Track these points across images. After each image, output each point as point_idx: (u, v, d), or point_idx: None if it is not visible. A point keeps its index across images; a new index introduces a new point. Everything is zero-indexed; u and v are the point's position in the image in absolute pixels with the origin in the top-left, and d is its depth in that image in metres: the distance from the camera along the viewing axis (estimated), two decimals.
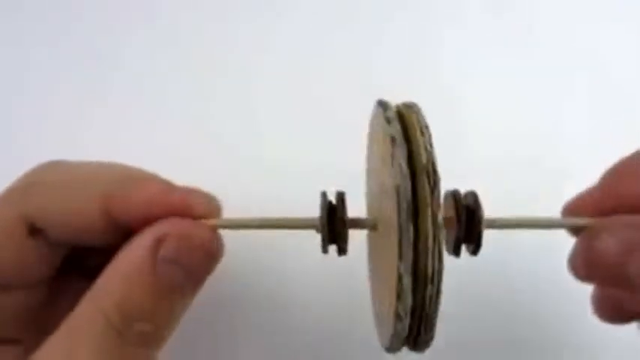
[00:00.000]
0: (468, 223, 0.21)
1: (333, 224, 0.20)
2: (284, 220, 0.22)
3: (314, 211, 0.21)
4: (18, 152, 0.31)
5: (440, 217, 0.18)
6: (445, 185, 0.20)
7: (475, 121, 0.35)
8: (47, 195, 0.21)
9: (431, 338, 0.19)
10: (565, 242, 0.22)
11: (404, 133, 0.19)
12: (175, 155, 0.33)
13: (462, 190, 0.22)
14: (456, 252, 0.21)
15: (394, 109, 0.20)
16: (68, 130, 0.35)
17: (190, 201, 0.22)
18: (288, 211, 0.22)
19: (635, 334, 0.24)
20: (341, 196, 0.21)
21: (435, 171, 0.18)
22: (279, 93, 0.36)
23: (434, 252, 0.17)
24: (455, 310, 0.30)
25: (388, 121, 0.19)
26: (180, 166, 0.24)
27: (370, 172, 0.25)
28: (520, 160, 0.34)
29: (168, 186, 0.22)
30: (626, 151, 0.23)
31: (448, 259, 0.22)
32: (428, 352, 0.21)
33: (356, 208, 0.23)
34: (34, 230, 0.21)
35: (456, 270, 0.30)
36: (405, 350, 0.21)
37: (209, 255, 0.21)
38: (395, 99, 0.21)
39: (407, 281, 0.17)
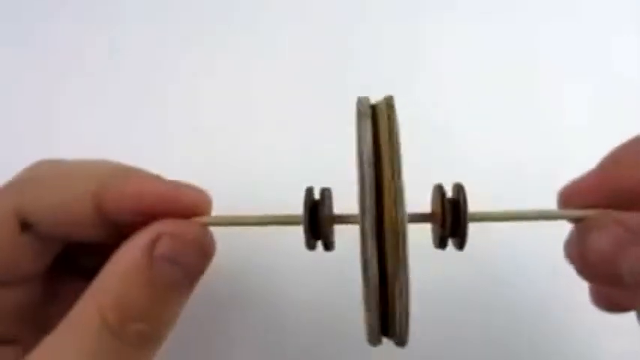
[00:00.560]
0: (453, 215, 0.20)
1: (316, 220, 0.20)
2: (272, 217, 0.22)
3: None
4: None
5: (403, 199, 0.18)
6: None
7: (468, 123, 0.35)
8: (39, 190, 0.22)
9: (404, 331, 0.19)
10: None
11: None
12: (162, 153, 0.34)
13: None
14: (442, 245, 0.21)
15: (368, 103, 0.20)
16: (40, 128, 0.35)
17: (181, 194, 0.22)
18: (287, 209, 0.22)
19: (626, 324, 0.23)
20: (325, 193, 0.21)
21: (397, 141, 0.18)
22: (270, 90, 0.36)
23: (398, 244, 0.17)
24: (445, 307, 0.31)
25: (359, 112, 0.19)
26: (167, 164, 0.24)
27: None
28: (513, 159, 0.34)
29: (159, 180, 0.22)
30: None
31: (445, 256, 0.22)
32: (416, 347, 0.20)
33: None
34: (26, 225, 0.22)
35: (444, 264, 0.30)
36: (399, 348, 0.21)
37: (204, 251, 0.22)
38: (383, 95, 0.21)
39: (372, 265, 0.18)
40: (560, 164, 0.27)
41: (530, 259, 0.32)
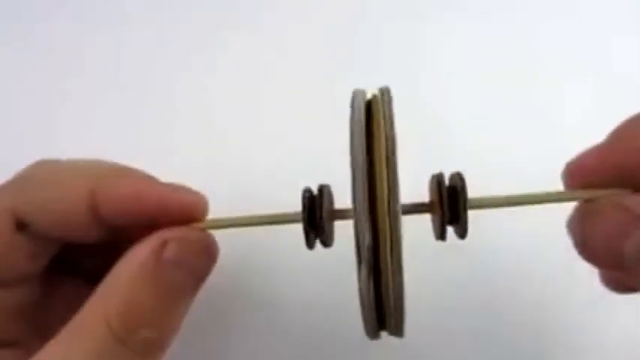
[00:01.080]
0: (451, 201, 0.20)
1: (314, 215, 0.20)
2: (271, 217, 0.22)
3: None
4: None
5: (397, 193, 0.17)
6: None
7: (469, 122, 0.35)
8: (34, 189, 0.22)
9: (399, 323, 0.19)
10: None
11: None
12: (162, 153, 0.34)
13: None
14: (442, 236, 0.20)
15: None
16: (40, 128, 0.36)
17: (177, 196, 0.22)
18: (287, 209, 0.22)
19: (624, 314, 0.23)
20: (323, 189, 0.21)
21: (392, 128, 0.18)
22: (270, 90, 0.36)
23: (391, 235, 0.17)
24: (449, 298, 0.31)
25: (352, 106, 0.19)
26: (167, 164, 0.24)
27: None
28: (513, 158, 0.34)
29: (153, 181, 0.22)
30: None
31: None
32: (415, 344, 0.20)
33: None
34: (22, 225, 0.22)
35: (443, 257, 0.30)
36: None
37: (209, 254, 0.22)
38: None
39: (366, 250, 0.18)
40: (560, 163, 0.27)
41: (529, 251, 0.32)
